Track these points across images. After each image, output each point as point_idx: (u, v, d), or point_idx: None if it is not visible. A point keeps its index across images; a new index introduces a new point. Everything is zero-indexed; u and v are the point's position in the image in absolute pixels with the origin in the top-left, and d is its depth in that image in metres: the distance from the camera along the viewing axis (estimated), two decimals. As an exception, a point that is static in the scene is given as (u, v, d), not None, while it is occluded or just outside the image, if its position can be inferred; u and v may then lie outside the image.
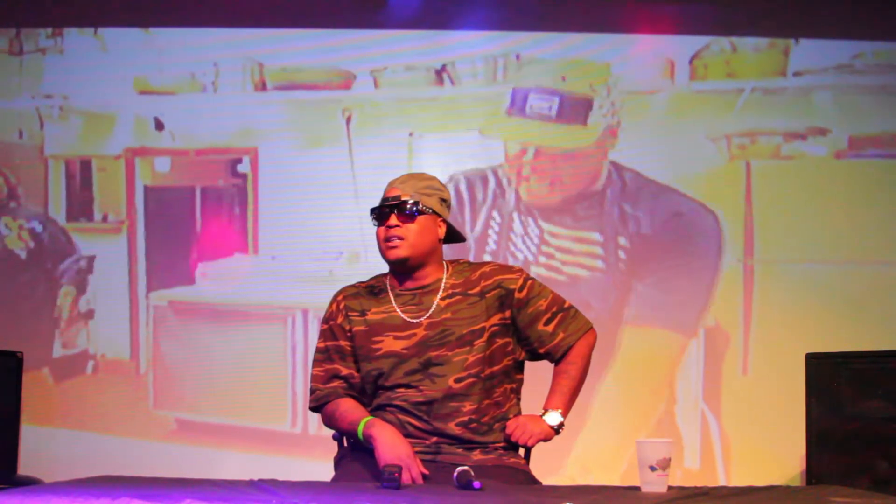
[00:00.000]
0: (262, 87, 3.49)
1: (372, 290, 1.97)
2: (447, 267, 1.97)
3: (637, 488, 1.55)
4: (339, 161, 3.44)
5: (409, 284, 1.93)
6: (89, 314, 3.43)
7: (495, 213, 3.37)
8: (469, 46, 3.42)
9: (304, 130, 3.47)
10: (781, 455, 3.03)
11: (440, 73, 3.44)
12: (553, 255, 3.34)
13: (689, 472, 3.18)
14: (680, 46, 3.32)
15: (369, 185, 3.36)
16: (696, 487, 1.59)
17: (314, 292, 3.28)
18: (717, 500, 1.46)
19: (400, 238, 1.90)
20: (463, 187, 3.39)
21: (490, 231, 3.37)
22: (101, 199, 3.48)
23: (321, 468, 2.05)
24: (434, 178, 1.98)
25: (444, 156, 3.43)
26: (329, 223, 3.38)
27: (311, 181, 3.44)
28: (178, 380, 3.36)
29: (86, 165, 3.51)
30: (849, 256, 3.21)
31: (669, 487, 1.54)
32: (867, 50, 3.23)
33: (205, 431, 3.29)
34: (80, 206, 3.50)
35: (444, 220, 1.97)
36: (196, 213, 3.46)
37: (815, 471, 2.59)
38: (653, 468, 1.52)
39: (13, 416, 2.71)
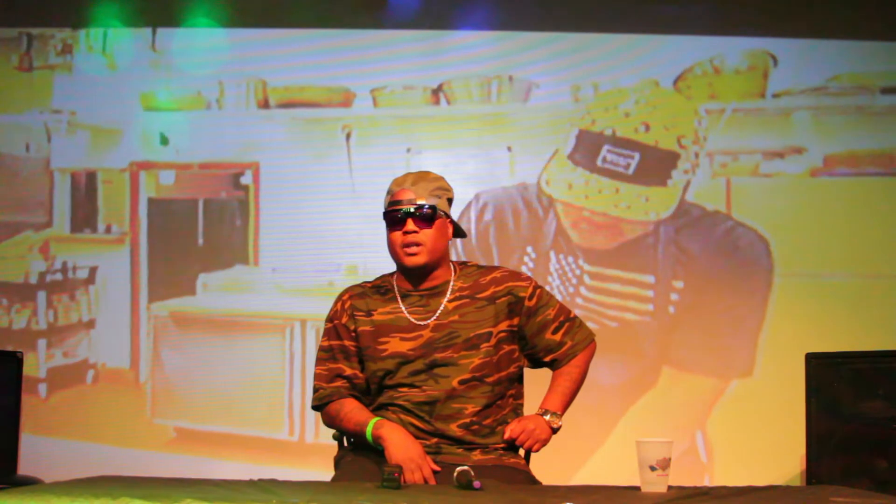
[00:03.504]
0: (266, 104, 3.20)
1: (378, 290, 1.75)
2: (455, 268, 1.75)
3: (637, 488, 1.38)
4: (340, 175, 3.15)
5: (417, 285, 1.72)
6: (91, 323, 3.06)
7: (530, 249, 3.01)
8: (465, 64, 3.12)
9: (306, 146, 3.19)
10: (781, 455, 2.74)
11: (437, 93, 3.12)
12: (594, 300, 2.97)
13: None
14: (664, 68, 3.05)
15: (369, 199, 3.09)
16: (696, 487, 1.41)
17: (313, 303, 3.00)
18: (717, 500, 1.30)
19: (418, 244, 1.68)
20: (489, 212, 3.03)
21: (524, 268, 3.01)
22: (106, 211, 3.15)
23: (318, 476, 1.77)
24: (441, 178, 1.75)
25: (441, 172, 3.09)
26: (329, 236, 3.08)
27: (311, 195, 3.14)
28: (178, 389, 3.01)
29: (91, 178, 3.20)
30: (819, 268, 2.95)
31: (669, 487, 1.37)
32: (842, 72, 3.00)
33: (203, 440, 2.93)
34: (85, 217, 3.17)
35: (452, 220, 1.75)
36: (198, 225, 3.13)
37: (815, 471, 2.34)
38: (653, 468, 1.35)
39: (13, 416, 2.44)
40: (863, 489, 1.80)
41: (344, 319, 1.73)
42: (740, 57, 3.02)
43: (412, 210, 1.67)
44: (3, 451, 2.41)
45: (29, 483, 2.20)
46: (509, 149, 3.09)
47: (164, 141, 3.24)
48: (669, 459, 1.35)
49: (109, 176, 3.16)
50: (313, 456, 2.88)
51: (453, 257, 1.79)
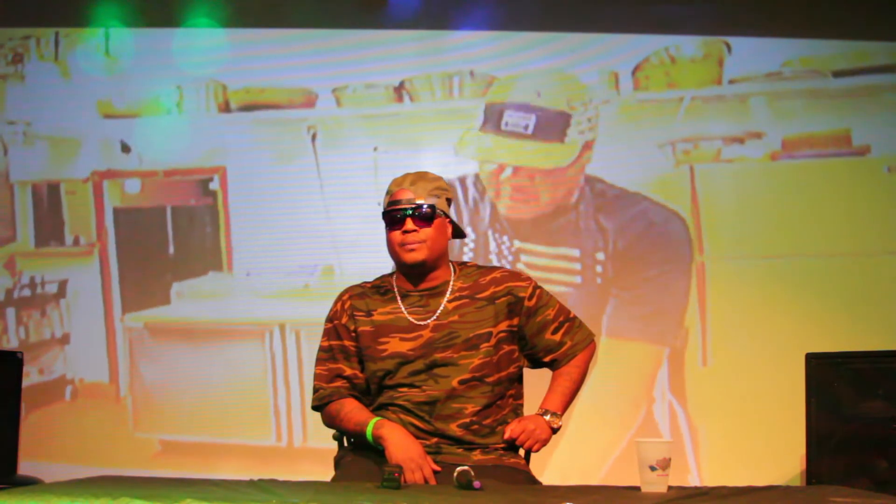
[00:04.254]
0: (227, 107, 3.10)
1: (378, 290, 1.72)
2: (454, 269, 1.72)
3: (637, 488, 1.35)
4: (308, 177, 3.07)
5: (417, 285, 1.69)
6: (64, 339, 2.96)
7: (469, 230, 3.02)
8: (426, 66, 3.06)
9: (271, 148, 3.09)
10: (781, 455, 2.72)
11: (399, 91, 3.05)
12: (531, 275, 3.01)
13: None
14: (622, 58, 3.02)
15: (338, 199, 3.06)
16: (695, 487, 1.39)
17: (291, 307, 2.94)
18: (717, 500, 1.27)
19: (418, 243, 1.65)
20: None
21: (465, 248, 3.00)
22: (72, 223, 3.03)
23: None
24: (440, 178, 1.72)
25: (410, 169, 3.03)
26: (301, 238, 3.00)
27: (281, 197, 3.05)
28: (159, 401, 2.92)
29: (53, 189, 3.07)
30: (786, 251, 2.96)
31: (669, 487, 1.34)
32: (794, 57, 3.00)
33: (189, 452, 2.85)
34: (50, 230, 3.05)
35: (451, 220, 1.72)
36: (168, 233, 3.03)
37: (815, 471, 2.28)
38: (653, 468, 1.33)
39: (13, 416, 2.39)
40: (863, 489, 1.78)
41: (344, 319, 1.70)
42: (695, 46, 3.00)
43: (411, 210, 1.64)
44: (3, 451, 2.35)
45: (29, 483, 2.14)
46: (455, 153, 3.06)
47: (126, 149, 3.12)
48: (669, 459, 1.33)
49: (73, 187, 3.04)
50: (303, 461, 2.85)
51: None
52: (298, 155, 3.07)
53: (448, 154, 3.03)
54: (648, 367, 2.90)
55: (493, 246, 2.97)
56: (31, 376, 2.92)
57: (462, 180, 3.00)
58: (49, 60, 3.11)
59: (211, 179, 3.06)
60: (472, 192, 3.00)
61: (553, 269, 2.95)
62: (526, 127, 2.99)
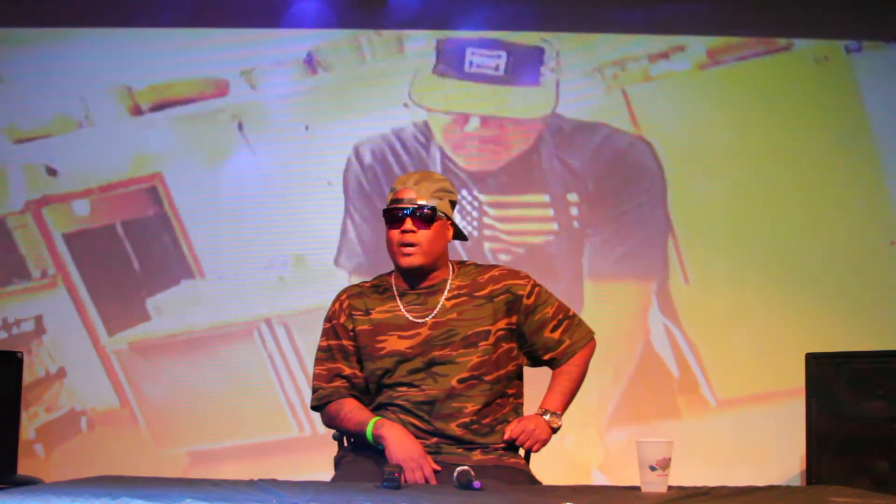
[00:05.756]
0: (138, 110, 2.87)
1: (376, 289, 1.70)
2: (453, 267, 1.70)
3: (637, 488, 1.36)
4: (248, 166, 2.91)
5: (415, 285, 1.67)
6: (60, 373, 2.93)
7: None
8: (328, 33, 2.83)
9: (201, 144, 2.90)
10: (781, 455, 2.66)
11: (309, 63, 2.83)
12: (496, 228, 2.82)
13: (671, 378, 2.82)
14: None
15: (284, 185, 2.92)
16: (695, 487, 1.39)
17: (271, 301, 2.88)
18: (717, 499, 1.28)
19: (414, 245, 1.62)
20: (373, 162, 2.84)
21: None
22: (32, 256, 2.88)
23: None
24: (445, 179, 1.68)
25: (347, 140, 2.89)
26: (262, 230, 2.88)
27: (227, 193, 2.91)
28: (174, 417, 2.89)
29: None
30: (737, 160, 2.87)
31: (669, 487, 1.35)
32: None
33: (220, 458, 2.88)
34: (9, 267, 2.89)
35: (453, 223, 1.68)
36: (127, 250, 2.91)
37: (815, 471, 2.26)
38: (653, 468, 1.33)
39: (13, 416, 2.38)
40: (863, 489, 1.76)
41: (342, 319, 1.68)
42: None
43: (411, 210, 1.61)
44: (3, 451, 2.30)
45: (29, 483, 2.13)
46: (406, 105, 2.90)
47: (52, 172, 2.91)
48: (669, 459, 1.32)
49: (17, 220, 2.85)
50: (331, 447, 2.90)
51: None
52: (231, 146, 2.90)
53: (379, 117, 2.85)
54: (638, 305, 2.80)
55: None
56: (39, 417, 2.87)
57: (398, 133, 2.86)
58: (-65, 97, 2.80)
59: (149, 188, 2.90)
60: (412, 144, 2.86)
61: (525, 219, 2.81)
62: (496, 67, 2.67)
